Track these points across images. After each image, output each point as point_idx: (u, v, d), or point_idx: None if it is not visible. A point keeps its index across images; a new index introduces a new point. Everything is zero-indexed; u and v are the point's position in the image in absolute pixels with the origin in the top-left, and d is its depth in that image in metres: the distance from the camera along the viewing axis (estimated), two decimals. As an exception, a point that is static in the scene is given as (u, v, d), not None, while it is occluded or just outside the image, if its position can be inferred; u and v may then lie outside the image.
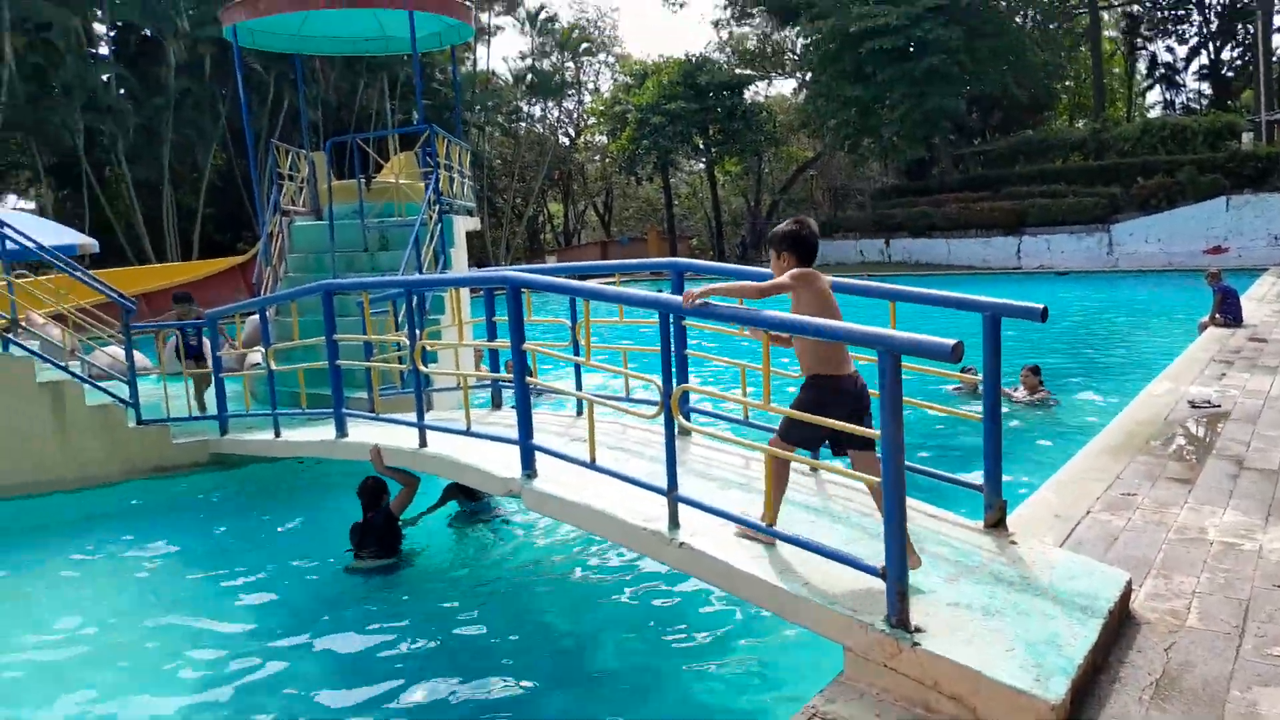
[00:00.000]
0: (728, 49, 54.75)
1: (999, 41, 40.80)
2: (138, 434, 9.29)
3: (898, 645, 3.41)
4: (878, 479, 3.51)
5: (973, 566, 4.08)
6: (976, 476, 4.57)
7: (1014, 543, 4.37)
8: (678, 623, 5.79)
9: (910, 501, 4.09)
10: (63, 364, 9.23)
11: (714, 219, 54.73)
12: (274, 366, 8.58)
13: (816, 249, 4.27)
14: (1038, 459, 8.76)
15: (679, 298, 4.37)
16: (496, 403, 8.28)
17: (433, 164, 11.78)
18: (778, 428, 4.27)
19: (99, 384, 9.46)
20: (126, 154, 34.96)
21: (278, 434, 8.52)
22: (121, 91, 35.51)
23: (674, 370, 4.62)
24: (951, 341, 3.19)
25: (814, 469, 5.14)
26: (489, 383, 8.53)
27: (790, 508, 4.64)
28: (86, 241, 20.24)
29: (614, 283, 7.99)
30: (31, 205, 40.45)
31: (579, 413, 7.39)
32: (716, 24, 57.76)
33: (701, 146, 51.03)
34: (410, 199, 12.20)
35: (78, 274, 9.90)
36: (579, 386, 7.10)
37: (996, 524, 4.53)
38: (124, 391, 9.41)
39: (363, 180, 12.20)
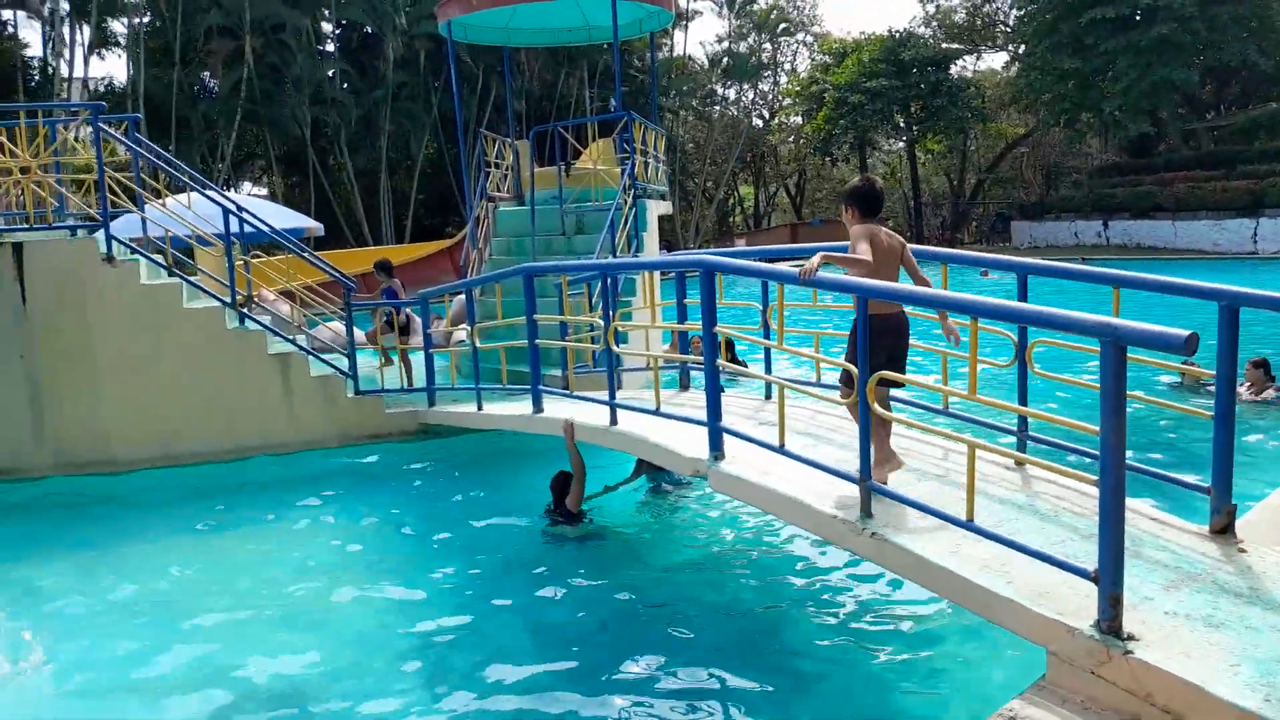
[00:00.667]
0: (934, 23, 52.55)
1: (1241, 6, 37.16)
2: (355, 403, 9.97)
3: (1108, 652, 3.20)
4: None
5: (1195, 574, 3.78)
6: (1200, 478, 4.22)
7: (1242, 550, 4.02)
8: (866, 613, 5.68)
9: (1129, 502, 3.83)
10: (290, 337, 10.02)
11: (913, 199, 52.90)
12: (478, 344, 8.98)
13: (880, 202, 4.87)
14: (1266, 462, 8.01)
15: (875, 282, 4.26)
16: (684, 384, 8.35)
17: (629, 150, 11.96)
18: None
19: (322, 356, 10.19)
20: (348, 143, 37.49)
21: (480, 407, 8.93)
22: (344, 85, 38.05)
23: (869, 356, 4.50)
24: (1185, 333, 2.95)
25: (1019, 463, 4.89)
26: (677, 363, 8.62)
27: (993, 503, 4.44)
28: (313, 225, 21.76)
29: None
30: (264, 191, 44.04)
31: (767, 396, 7.37)
32: (921, -2, 55.72)
33: (902, 125, 49.37)
34: (607, 184, 12.43)
35: (305, 255, 10.71)
36: (768, 370, 7.06)
37: (1223, 530, 4.17)
38: (343, 364, 10.12)
39: (563, 167, 12.54)
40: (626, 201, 11.55)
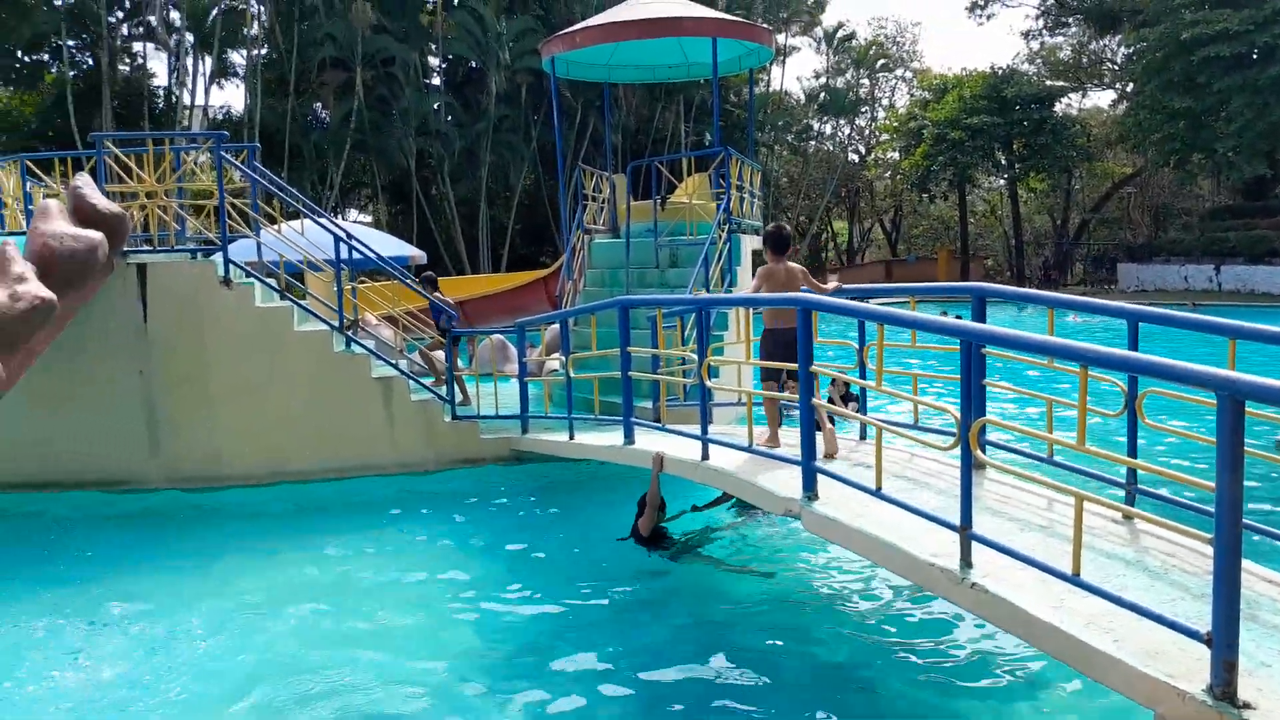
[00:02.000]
0: (1038, 60, 51.61)
1: (1367, 43, 35.55)
2: (451, 428, 10.18)
3: (1221, 719, 3.07)
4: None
5: (1319, 643, 3.59)
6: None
7: (1373, 621, 3.80)
8: (961, 666, 5.53)
9: (1245, 562, 3.67)
10: (393, 362, 10.30)
11: (1014, 238, 51.75)
12: (572, 374, 9.10)
13: (787, 243, 6.77)
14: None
15: (981, 325, 4.20)
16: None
17: (725, 185, 12.02)
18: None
19: (422, 381, 10.44)
20: (450, 174, 38.55)
21: (571, 436, 9.04)
22: (448, 118, 39.18)
23: (972, 401, 4.44)
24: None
25: (1127, 517, 4.74)
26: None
27: (1100, 557, 4.31)
28: (416, 253, 22.33)
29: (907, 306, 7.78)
30: (369, 219, 45.51)
31: (862, 437, 7.32)
32: (1026, 34, 54.33)
33: (1003, 162, 48.43)
34: (702, 218, 12.50)
35: (409, 282, 11.02)
36: (864, 410, 6.98)
37: (1351, 597, 3.96)
38: (442, 389, 10.35)
39: (658, 200, 12.67)
40: (721, 236, 11.59)
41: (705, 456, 6.75)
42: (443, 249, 40.05)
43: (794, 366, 5.63)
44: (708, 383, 6.81)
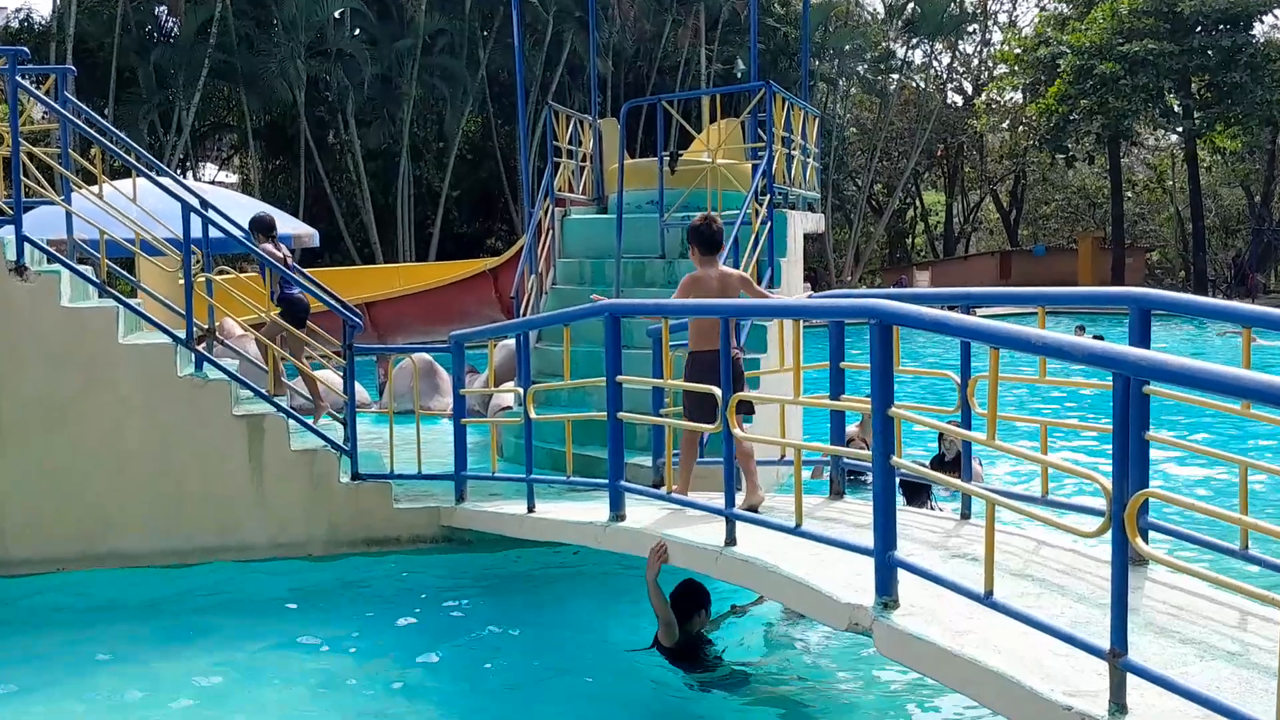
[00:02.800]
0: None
1: None
2: (350, 492, 10.14)
3: None
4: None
5: None
6: None
7: None
8: None
9: None
10: (266, 392, 10.27)
11: (1191, 222, 52.01)
12: (533, 414, 9.08)
13: (718, 241, 7.86)
14: None
15: (1142, 351, 4.21)
16: (836, 489, 8.29)
17: (765, 137, 12.04)
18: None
19: (305, 421, 10.41)
20: (356, 114, 38.55)
21: (531, 507, 8.97)
22: (355, 31, 39.29)
23: (1130, 464, 4.43)
24: None
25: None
26: (827, 458, 8.55)
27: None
28: (304, 232, 22.39)
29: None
30: (233, 178, 45.63)
31: (964, 514, 7.29)
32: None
33: (1177, 109, 48.75)
34: (730, 186, 12.53)
35: (294, 276, 11.02)
36: (967, 475, 6.95)
37: None
38: (338, 433, 10.33)
39: (666, 158, 12.69)
40: (758, 212, 11.61)
41: (731, 541, 6.71)
42: (344, 224, 40.04)
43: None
44: (736, 430, 6.78)
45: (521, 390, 9.33)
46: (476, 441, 10.93)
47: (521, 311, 13.13)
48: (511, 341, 12.56)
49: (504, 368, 13.98)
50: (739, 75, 41.12)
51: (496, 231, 44.44)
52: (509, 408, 13.38)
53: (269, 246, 11.21)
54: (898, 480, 6.35)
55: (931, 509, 9.54)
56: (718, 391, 6.75)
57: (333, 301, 10.75)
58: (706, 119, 14.39)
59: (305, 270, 12.84)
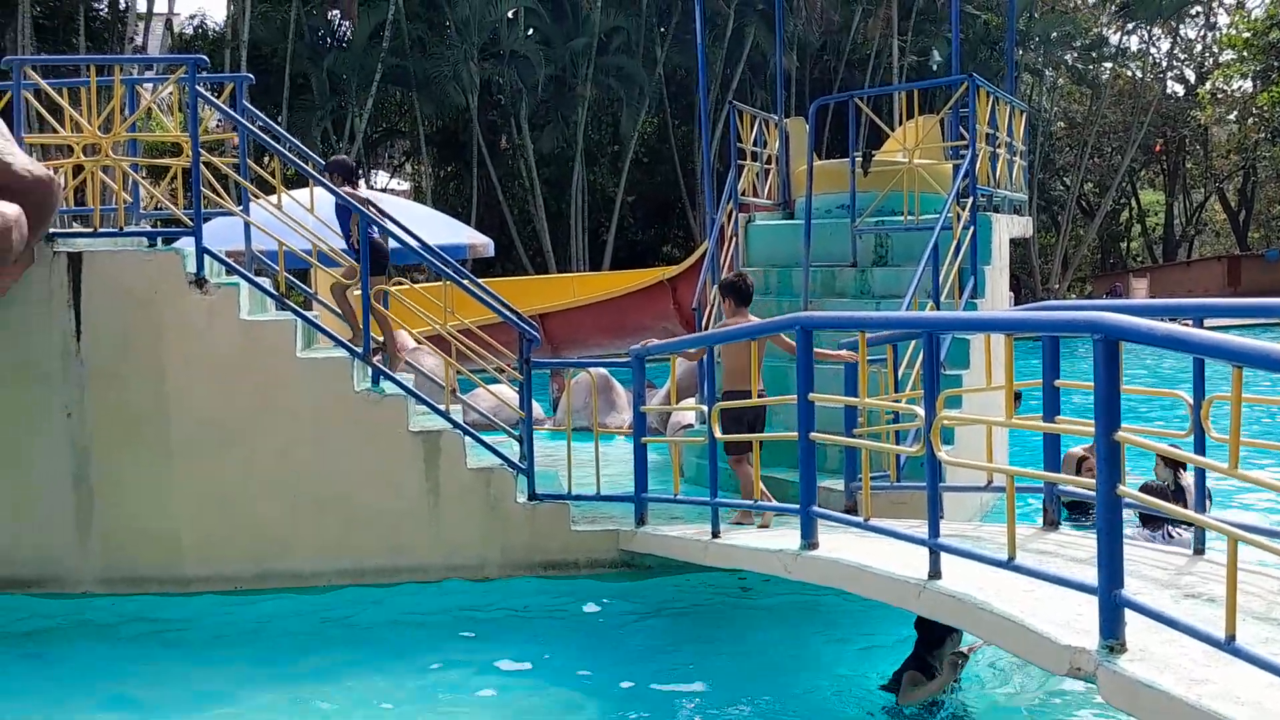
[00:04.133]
0: None
1: None
2: (527, 513, 10.20)
3: None
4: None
5: None
6: None
7: None
8: None
9: None
10: (442, 408, 10.35)
11: None
12: (717, 433, 9.00)
13: (751, 295, 9.33)
14: None
15: None
16: (1050, 518, 8.05)
17: (967, 135, 11.83)
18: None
19: (483, 439, 10.48)
20: (529, 117, 38.97)
21: (716, 532, 8.92)
22: (529, 32, 39.78)
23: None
24: None
25: None
26: (1040, 483, 8.32)
27: None
28: (479, 241, 22.61)
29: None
30: (406, 186, 46.57)
31: (1199, 549, 7.06)
32: None
33: None
34: (929, 188, 12.33)
35: (470, 287, 11.12)
36: (1202, 506, 6.66)
37: None
38: (513, 451, 10.38)
39: (858, 159, 12.54)
40: (960, 216, 11.40)
41: (935, 574, 6.54)
42: (516, 232, 40.51)
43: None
44: (940, 453, 6.62)
45: (705, 408, 9.29)
46: (655, 460, 10.90)
47: (704, 324, 13.08)
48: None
49: (685, 383, 13.94)
50: (934, 68, 40.47)
51: (672, 238, 44.61)
52: (689, 425, 13.34)
53: (349, 189, 11.13)
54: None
55: (1170, 536, 9.21)
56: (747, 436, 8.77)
57: (509, 314, 10.81)
58: (901, 115, 14.18)
59: (480, 280, 12.95)
